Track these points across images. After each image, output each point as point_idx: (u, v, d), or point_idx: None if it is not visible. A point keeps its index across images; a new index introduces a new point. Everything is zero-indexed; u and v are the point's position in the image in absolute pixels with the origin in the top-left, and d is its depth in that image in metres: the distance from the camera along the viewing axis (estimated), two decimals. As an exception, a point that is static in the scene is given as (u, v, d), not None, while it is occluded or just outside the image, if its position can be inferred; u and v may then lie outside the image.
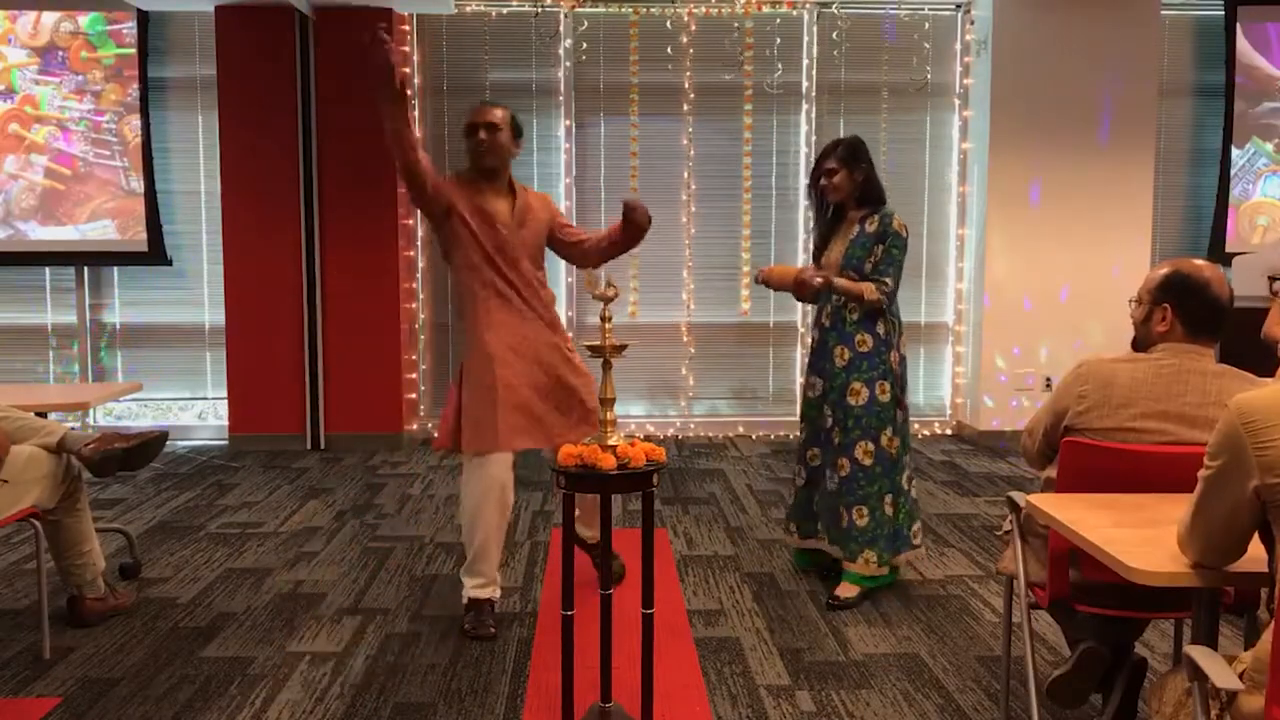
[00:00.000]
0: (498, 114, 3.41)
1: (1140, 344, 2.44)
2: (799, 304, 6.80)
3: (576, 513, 3.83)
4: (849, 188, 3.70)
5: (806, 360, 3.92)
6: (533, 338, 3.42)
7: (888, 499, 3.67)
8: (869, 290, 3.62)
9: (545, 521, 4.76)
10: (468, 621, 3.41)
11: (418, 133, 6.61)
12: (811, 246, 3.95)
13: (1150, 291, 2.38)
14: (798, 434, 3.98)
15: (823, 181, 3.72)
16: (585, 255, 3.64)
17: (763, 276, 3.82)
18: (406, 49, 6.53)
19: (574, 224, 3.74)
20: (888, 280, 3.64)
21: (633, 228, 3.51)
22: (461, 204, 3.36)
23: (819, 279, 3.62)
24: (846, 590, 3.69)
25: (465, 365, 3.45)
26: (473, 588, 3.41)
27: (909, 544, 3.77)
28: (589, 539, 3.75)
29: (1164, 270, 2.38)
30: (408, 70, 2.97)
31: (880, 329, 3.68)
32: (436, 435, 3.57)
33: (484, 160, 3.38)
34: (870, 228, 3.68)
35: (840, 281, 3.63)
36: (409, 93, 2.82)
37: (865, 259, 3.66)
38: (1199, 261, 2.39)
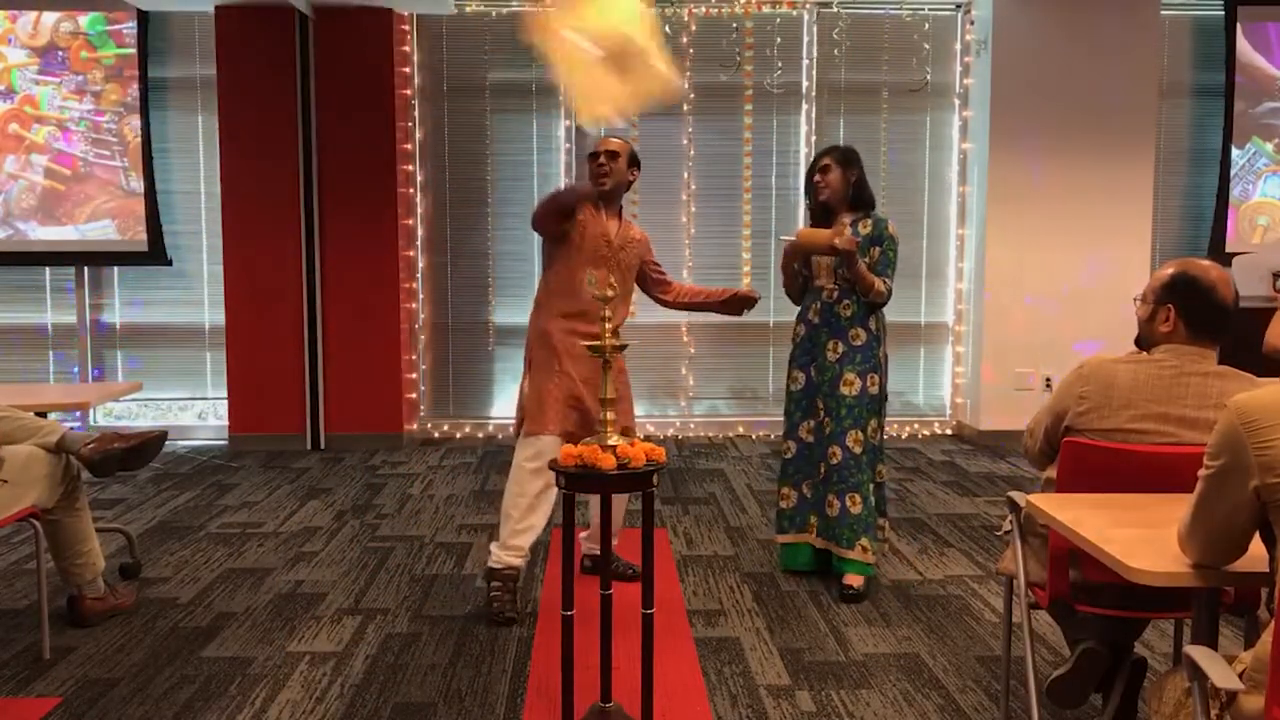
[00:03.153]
0: (616, 143, 3.72)
1: (1144, 343, 2.44)
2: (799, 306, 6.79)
3: (585, 533, 3.89)
4: (842, 187, 3.81)
5: (790, 356, 3.96)
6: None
7: (870, 486, 3.79)
8: (879, 283, 3.73)
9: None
10: (496, 590, 3.53)
11: (419, 133, 6.62)
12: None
13: (1155, 291, 2.38)
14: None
15: (817, 177, 3.84)
16: (669, 297, 3.96)
17: (796, 235, 3.81)
18: (406, 49, 6.53)
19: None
20: (888, 280, 3.77)
21: (732, 310, 3.90)
22: (582, 217, 3.64)
23: (851, 241, 3.64)
24: (854, 579, 3.74)
25: (533, 357, 3.68)
26: (505, 555, 3.54)
27: (877, 538, 3.87)
28: (596, 552, 3.83)
29: (1170, 270, 2.37)
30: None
31: (872, 325, 3.81)
32: (514, 426, 3.80)
33: (603, 184, 3.67)
34: (864, 230, 3.79)
35: (861, 264, 3.71)
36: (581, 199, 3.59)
37: (859, 259, 3.73)
38: (1205, 263, 2.38)
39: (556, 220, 3.56)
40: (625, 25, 3.26)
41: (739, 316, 4.02)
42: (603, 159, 3.67)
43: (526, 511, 3.52)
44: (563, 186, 3.40)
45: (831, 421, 3.77)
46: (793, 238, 3.83)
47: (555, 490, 3.52)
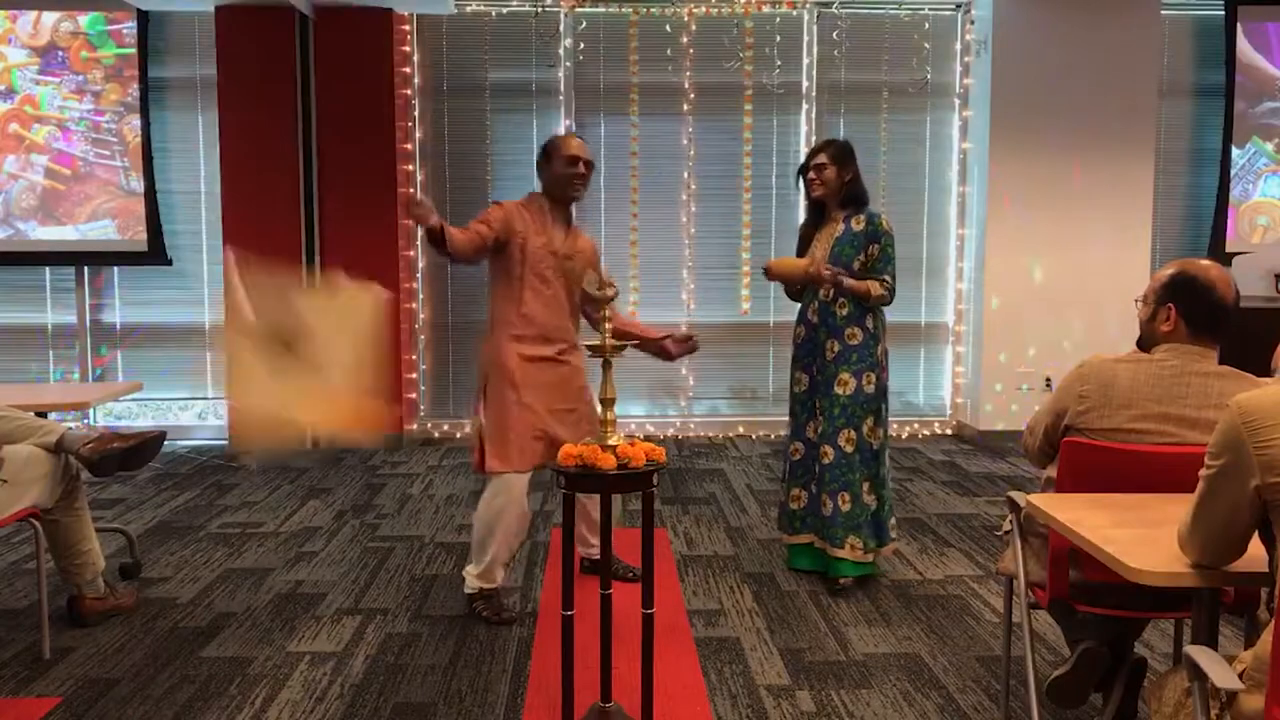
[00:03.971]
0: (588, 152, 3.58)
1: (1145, 343, 2.44)
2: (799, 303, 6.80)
3: (579, 530, 3.88)
4: (835, 185, 3.80)
5: (791, 357, 3.97)
6: (552, 368, 3.53)
7: (866, 487, 3.78)
8: (874, 288, 3.72)
9: (545, 521, 4.76)
10: (484, 609, 3.52)
11: (419, 133, 6.61)
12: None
13: (1155, 291, 2.39)
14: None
15: (810, 175, 3.82)
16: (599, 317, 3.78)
17: (767, 267, 3.86)
18: (406, 49, 6.53)
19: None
20: (888, 278, 3.76)
21: (664, 355, 3.72)
22: (521, 229, 3.47)
23: (827, 271, 3.67)
24: (843, 578, 3.78)
25: (490, 388, 3.54)
26: (480, 582, 3.54)
27: (889, 536, 3.88)
28: (594, 554, 3.82)
29: (1170, 270, 2.38)
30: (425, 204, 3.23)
31: (869, 323, 3.78)
32: (473, 458, 3.68)
33: (579, 194, 3.55)
34: (857, 227, 3.77)
35: (849, 281, 3.70)
36: (441, 228, 3.25)
37: (854, 256, 3.75)
38: (1205, 262, 2.39)
39: (449, 254, 3.31)
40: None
41: (671, 361, 3.84)
42: (583, 168, 3.52)
43: (500, 547, 3.50)
44: (417, 202, 3.19)
45: (825, 421, 3.77)
46: (769, 266, 3.84)
47: (525, 515, 3.55)
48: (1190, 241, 6.92)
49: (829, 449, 3.76)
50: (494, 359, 3.53)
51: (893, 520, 3.93)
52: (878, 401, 3.79)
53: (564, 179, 3.52)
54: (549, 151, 3.55)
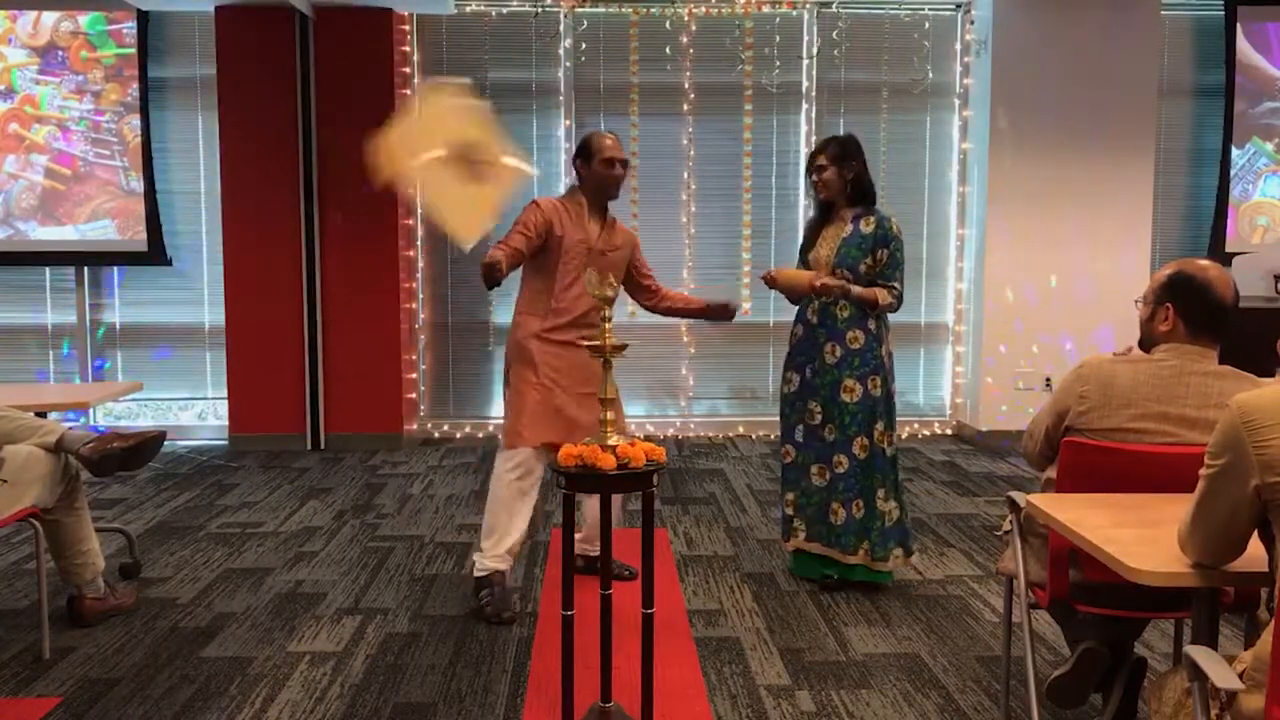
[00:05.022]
0: (622, 151, 3.69)
1: (1145, 343, 2.45)
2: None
3: (579, 534, 3.87)
4: (839, 185, 3.73)
5: (785, 355, 3.90)
6: (576, 352, 3.56)
7: (880, 493, 3.72)
8: (883, 296, 3.68)
9: (545, 521, 4.76)
10: (488, 600, 3.52)
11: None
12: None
13: (1154, 291, 2.39)
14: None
15: (814, 177, 3.78)
16: (651, 302, 3.92)
17: (769, 277, 3.81)
18: (406, 49, 6.53)
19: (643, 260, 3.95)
20: (896, 284, 3.71)
21: (714, 317, 3.94)
22: (560, 229, 3.57)
23: (835, 283, 3.64)
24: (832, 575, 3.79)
25: (511, 369, 3.65)
26: (490, 562, 3.56)
27: (912, 544, 3.82)
28: (592, 554, 3.81)
29: (1168, 270, 2.39)
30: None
31: (871, 325, 3.72)
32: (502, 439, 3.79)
33: (615, 194, 3.68)
34: (866, 229, 3.70)
35: (857, 290, 3.66)
36: (500, 275, 3.41)
37: (861, 259, 3.69)
38: (1204, 262, 2.39)
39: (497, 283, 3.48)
40: (461, 129, 3.37)
41: (729, 322, 4.05)
42: (619, 169, 3.63)
43: (509, 522, 3.54)
44: (487, 260, 3.34)
45: (836, 429, 3.72)
46: (772, 276, 3.80)
47: (534, 497, 3.60)
48: (1190, 241, 6.92)
49: (843, 457, 3.71)
50: (518, 341, 3.62)
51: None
52: (884, 404, 3.72)
53: (603, 180, 3.64)
54: (586, 152, 3.65)
